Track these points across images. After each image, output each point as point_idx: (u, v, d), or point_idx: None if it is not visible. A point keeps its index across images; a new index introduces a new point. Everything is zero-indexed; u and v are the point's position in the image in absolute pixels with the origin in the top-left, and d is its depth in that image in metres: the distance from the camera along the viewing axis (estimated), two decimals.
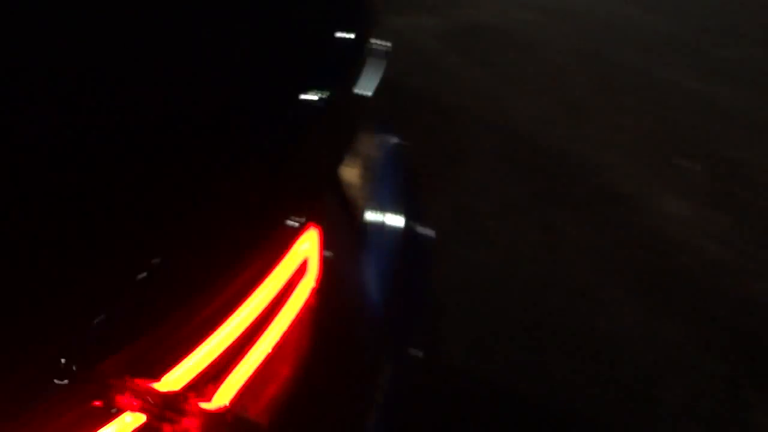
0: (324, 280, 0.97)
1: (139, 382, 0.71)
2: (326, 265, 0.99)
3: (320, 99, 0.98)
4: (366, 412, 1.01)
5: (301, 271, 0.92)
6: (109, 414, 0.70)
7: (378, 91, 1.55)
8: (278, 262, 0.88)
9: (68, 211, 0.75)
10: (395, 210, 1.45)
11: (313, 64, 1.06)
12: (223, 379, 0.79)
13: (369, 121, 1.53)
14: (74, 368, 0.66)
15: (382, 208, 1.42)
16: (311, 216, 0.96)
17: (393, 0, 4.89)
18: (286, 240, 0.90)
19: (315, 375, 0.93)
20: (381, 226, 1.39)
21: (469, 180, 3.15)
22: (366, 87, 1.24)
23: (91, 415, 0.68)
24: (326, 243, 0.99)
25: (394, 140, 1.69)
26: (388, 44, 1.44)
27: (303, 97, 0.98)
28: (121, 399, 0.69)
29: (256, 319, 0.83)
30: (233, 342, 0.80)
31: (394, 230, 1.42)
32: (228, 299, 0.81)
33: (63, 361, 0.66)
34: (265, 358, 0.84)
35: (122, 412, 0.70)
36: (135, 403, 0.70)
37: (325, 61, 1.09)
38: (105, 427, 0.69)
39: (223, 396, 0.79)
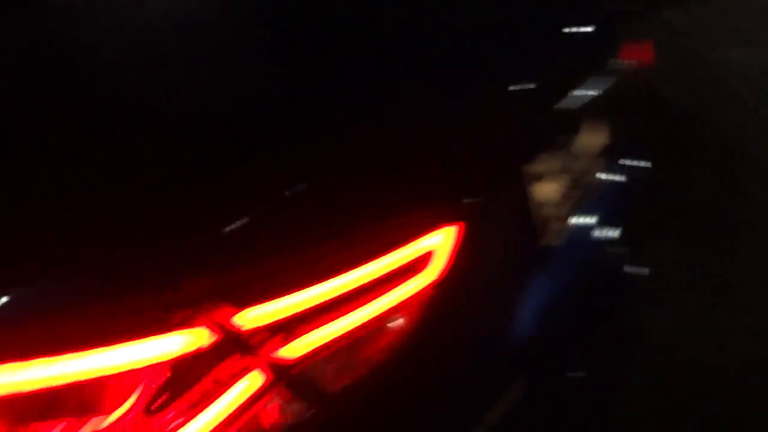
0: (457, 279, 0.95)
1: (224, 308, 0.78)
2: (468, 266, 0.96)
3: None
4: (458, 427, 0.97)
5: (422, 262, 0.91)
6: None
7: (627, 109, 1.43)
8: (395, 248, 0.88)
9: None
10: (601, 238, 1.34)
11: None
12: (300, 335, 0.83)
13: (604, 140, 1.43)
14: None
15: (584, 231, 1.32)
16: (457, 214, 0.94)
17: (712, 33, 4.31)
18: (412, 229, 0.90)
19: (411, 372, 0.92)
20: (574, 250, 1.30)
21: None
22: (580, 100, 1.17)
23: None
24: (475, 245, 0.96)
25: (641, 165, 1.55)
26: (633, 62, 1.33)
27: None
28: (199, 319, 0.76)
29: (352, 290, 0.85)
30: (322, 303, 0.83)
31: (590, 259, 1.32)
32: (333, 264, 0.84)
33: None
34: (351, 331, 0.86)
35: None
36: (213, 330, 0.77)
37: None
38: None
39: (295, 351, 0.82)
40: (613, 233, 1.39)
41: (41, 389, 0.73)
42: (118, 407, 0.76)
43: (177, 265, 0.77)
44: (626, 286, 1.42)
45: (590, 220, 1.36)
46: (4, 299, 0.72)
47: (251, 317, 0.79)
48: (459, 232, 0.94)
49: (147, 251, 0.77)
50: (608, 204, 1.42)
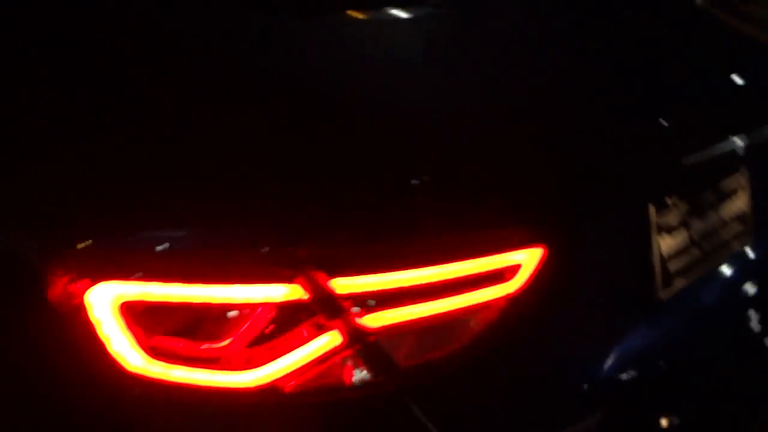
0: (537, 296, 1.04)
1: (324, 274, 0.94)
2: (549, 286, 1.05)
3: None
4: None
5: (510, 273, 1.02)
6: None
7: None
8: (485, 255, 1.00)
9: None
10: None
11: None
12: (383, 310, 0.97)
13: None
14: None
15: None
16: (547, 238, 1.04)
17: None
18: (504, 242, 1.01)
19: (474, 372, 1.02)
20: (688, 311, 1.32)
21: None
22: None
23: None
24: (561, 269, 1.05)
25: None
26: None
27: None
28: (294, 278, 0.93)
29: (438, 282, 0.97)
30: (410, 286, 0.96)
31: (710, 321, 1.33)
32: (427, 256, 0.97)
33: None
34: (430, 317, 0.98)
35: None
36: (310, 288, 0.94)
37: None
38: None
39: (375, 321, 0.96)
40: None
41: (178, 303, 0.94)
42: (228, 338, 0.95)
43: (297, 233, 0.95)
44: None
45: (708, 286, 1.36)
46: (181, 233, 0.94)
47: (343, 284, 0.94)
48: (544, 254, 1.03)
49: (280, 220, 0.96)
50: (736, 278, 1.42)
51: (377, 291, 0.96)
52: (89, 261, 0.95)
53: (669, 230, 1.29)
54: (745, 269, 1.44)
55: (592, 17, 1.48)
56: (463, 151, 1.06)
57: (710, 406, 1.27)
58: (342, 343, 0.95)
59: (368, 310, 0.96)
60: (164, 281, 0.93)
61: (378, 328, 0.96)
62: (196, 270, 0.93)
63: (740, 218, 1.44)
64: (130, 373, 0.94)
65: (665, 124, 1.26)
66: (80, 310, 0.94)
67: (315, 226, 0.95)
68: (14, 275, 1.02)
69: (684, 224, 1.32)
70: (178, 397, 0.95)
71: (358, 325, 0.95)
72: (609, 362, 1.16)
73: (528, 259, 1.03)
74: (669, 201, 1.28)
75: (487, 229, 1.01)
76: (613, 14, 1.51)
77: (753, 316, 1.39)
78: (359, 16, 1.35)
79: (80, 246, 0.95)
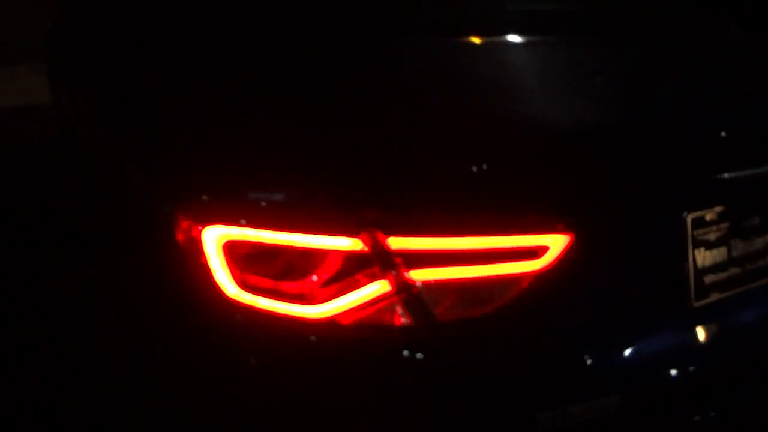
0: (561, 279, 1.23)
1: (382, 233, 1.17)
2: (573, 269, 1.24)
3: None
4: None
5: (536, 252, 1.21)
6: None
7: None
8: (520, 233, 1.20)
9: None
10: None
11: None
12: (427, 268, 1.19)
13: None
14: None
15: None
16: (576, 227, 1.23)
17: None
18: (536, 226, 1.21)
19: (498, 334, 1.22)
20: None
21: None
22: None
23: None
24: (583, 256, 1.23)
25: None
26: None
27: None
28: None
29: (477, 250, 1.18)
30: (453, 249, 1.18)
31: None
32: (473, 227, 1.19)
33: None
34: (466, 280, 1.19)
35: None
36: (369, 243, 1.17)
37: None
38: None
39: (420, 275, 1.18)
40: None
41: (268, 245, 1.20)
42: (303, 277, 1.21)
43: (364, 198, 1.19)
44: None
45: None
46: (274, 193, 1.21)
47: (397, 242, 1.17)
48: (570, 241, 1.22)
49: (352, 188, 1.20)
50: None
51: (424, 251, 1.18)
52: (205, 210, 1.23)
53: (708, 245, 1.42)
54: None
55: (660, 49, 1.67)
56: (523, 149, 1.26)
57: (716, 410, 1.38)
58: (390, 291, 1.18)
59: (415, 266, 1.18)
60: (258, 228, 1.20)
61: (422, 282, 1.18)
62: (283, 221, 1.19)
63: None
64: (229, 298, 1.21)
65: (710, 141, 1.40)
66: (197, 245, 1.23)
67: (380, 193, 1.19)
68: (154, 219, 1.34)
69: (724, 242, 1.44)
70: (263, 321, 1.21)
71: (405, 277, 1.18)
72: (626, 351, 1.31)
73: (555, 242, 1.22)
74: (708, 217, 1.41)
75: (524, 213, 1.21)
76: (680, 47, 1.69)
77: None
78: (479, 40, 1.63)
79: (199, 199, 1.25)
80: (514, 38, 1.66)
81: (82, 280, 2.27)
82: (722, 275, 1.45)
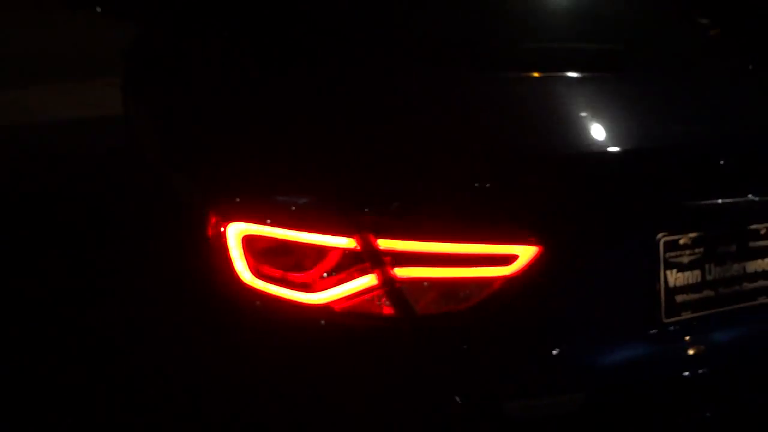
0: (530, 285, 1.40)
1: (373, 235, 1.38)
2: (547, 282, 1.41)
3: None
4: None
5: (506, 260, 1.39)
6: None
7: None
8: (493, 243, 1.39)
9: None
10: None
11: None
12: (412, 267, 1.38)
13: None
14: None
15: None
16: (543, 240, 1.40)
17: None
18: (508, 236, 1.40)
19: (470, 331, 1.40)
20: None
21: None
22: None
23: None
24: (551, 267, 1.41)
25: None
26: None
27: None
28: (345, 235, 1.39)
29: (455, 254, 1.37)
30: (433, 252, 1.37)
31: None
32: (451, 234, 1.38)
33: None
34: (444, 279, 1.38)
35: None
36: (362, 243, 1.38)
37: None
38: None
39: (403, 273, 1.38)
40: None
41: (278, 240, 1.43)
42: (305, 269, 1.43)
43: (360, 205, 1.40)
44: None
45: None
46: (286, 198, 1.44)
47: (384, 243, 1.37)
48: (538, 252, 1.40)
49: (351, 197, 1.42)
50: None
51: (409, 252, 1.38)
52: (229, 209, 1.47)
53: (681, 267, 1.56)
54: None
55: None
56: (501, 169, 1.44)
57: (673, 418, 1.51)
58: (377, 284, 1.38)
59: (400, 265, 1.38)
60: (272, 225, 1.43)
61: (404, 278, 1.38)
62: (293, 221, 1.42)
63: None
64: (244, 283, 1.44)
65: (685, 168, 1.54)
66: (222, 238, 1.47)
67: (374, 202, 1.40)
68: (188, 214, 1.59)
69: (699, 266, 1.58)
70: (272, 304, 1.43)
71: (391, 274, 1.38)
72: (592, 354, 1.47)
73: (525, 252, 1.39)
74: (681, 242, 1.55)
75: (498, 224, 1.40)
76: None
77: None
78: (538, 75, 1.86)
79: (225, 201, 1.49)
80: (516, 74, 1.85)
81: (137, 269, 2.63)
82: (695, 296, 1.58)
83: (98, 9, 2.90)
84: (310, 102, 1.69)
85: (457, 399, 1.40)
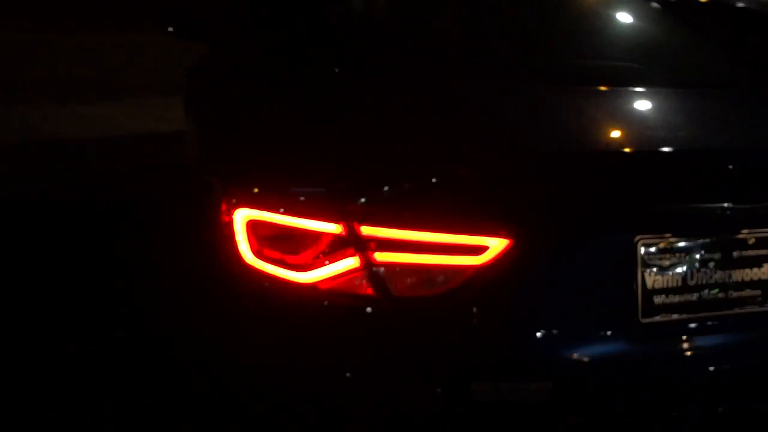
0: (500, 274, 1.51)
1: (358, 222, 1.53)
2: (517, 272, 1.52)
3: None
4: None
5: (477, 250, 1.51)
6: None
7: None
8: (467, 234, 1.51)
9: None
10: None
11: None
12: (391, 252, 1.52)
13: None
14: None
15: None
16: (512, 234, 1.51)
17: None
18: (481, 228, 1.51)
19: (443, 314, 1.52)
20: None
21: None
22: None
23: None
24: (521, 259, 1.51)
25: None
26: None
27: None
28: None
29: (432, 243, 1.50)
30: (410, 240, 1.51)
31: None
32: (431, 225, 1.51)
33: None
34: (420, 265, 1.51)
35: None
36: (347, 230, 1.53)
37: None
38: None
39: (383, 257, 1.51)
40: None
41: (277, 225, 1.60)
42: (299, 251, 1.59)
43: (346, 196, 1.55)
44: None
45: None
46: (286, 188, 1.60)
47: (367, 229, 1.52)
48: (509, 244, 1.51)
49: (342, 189, 1.57)
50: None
51: (389, 239, 1.52)
52: (237, 197, 1.65)
53: (660, 269, 1.62)
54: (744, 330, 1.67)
55: None
56: (476, 165, 1.56)
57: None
58: (358, 266, 1.53)
59: (381, 250, 1.52)
60: (272, 212, 1.60)
61: (383, 262, 1.52)
62: (290, 209, 1.58)
63: (753, 285, 1.68)
64: (246, 263, 1.62)
65: (668, 175, 1.61)
66: (231, 222, 1.65)
67: (359, 193, 1.54)
68: (204, 200, 1.80)
69: (680, 270, 1.64)
70: (268, 281, 1.60)
71: (371, 257, 1.52)
72: (562, 344, 1.55)
73: (496, 244, 1.51)
74: (661, 245, 1.62)
75: (471, 216, 1.52)
76: None
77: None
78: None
79: (233, 189, 1.68)
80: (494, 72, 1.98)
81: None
82: (674, 299, 1.64)
83: (170, 29, 3.19)
84: (308, 104, 1.87)
85: (427, 377, 1.52)
